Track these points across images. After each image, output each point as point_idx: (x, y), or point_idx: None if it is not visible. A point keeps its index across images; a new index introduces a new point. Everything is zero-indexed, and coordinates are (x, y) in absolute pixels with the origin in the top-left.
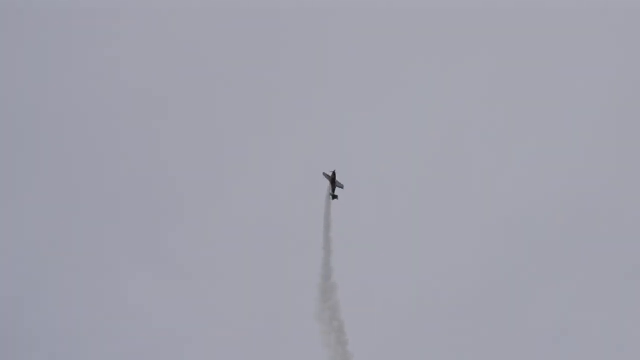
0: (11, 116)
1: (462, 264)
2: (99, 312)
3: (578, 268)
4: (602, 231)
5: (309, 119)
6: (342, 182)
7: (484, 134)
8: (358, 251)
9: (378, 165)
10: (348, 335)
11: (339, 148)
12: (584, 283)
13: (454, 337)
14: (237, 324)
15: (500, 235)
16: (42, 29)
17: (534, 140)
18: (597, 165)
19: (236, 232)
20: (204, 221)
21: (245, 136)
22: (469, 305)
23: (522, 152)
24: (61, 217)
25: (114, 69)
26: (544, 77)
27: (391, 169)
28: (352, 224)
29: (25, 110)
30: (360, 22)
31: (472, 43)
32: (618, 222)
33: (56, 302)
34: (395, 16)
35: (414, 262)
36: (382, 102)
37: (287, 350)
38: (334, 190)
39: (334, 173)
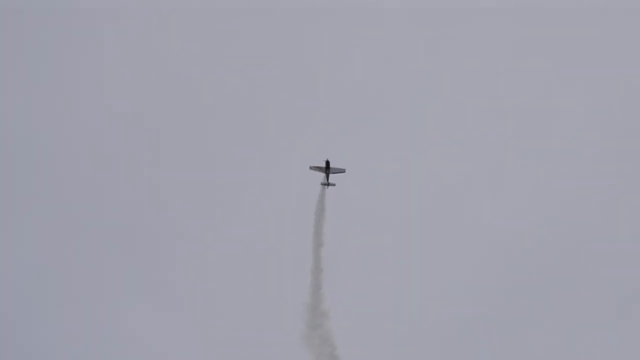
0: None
1: (458, 291)
2: (98, 344)
3: (574, 298)
4: (599, 261)
5: (302, 145)
6: (341, 167)
7: (481, 162)
8: (351, 274)
9: (373, 189)
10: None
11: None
12: (580, 313)
13: None
14: (236, 355)
15: (497, 262)
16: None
17: (532, 168)
18: (594, 196)
19: (233, 263)
20: (201, 252)
21: (239, 165)
22: (464, 335)
23: (520, 179)
24: (60, 250)
25: (102, 94)
26: (543, 110)
27: (387, 195)
28: (346, 247)
29: (20, 145)
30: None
31: (470, 71)
32: (613, 253)
33: (56, 335)
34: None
35: (409, 288)
36: (376, 133)
37: None
38: (328, 178)
39: (327, 162)
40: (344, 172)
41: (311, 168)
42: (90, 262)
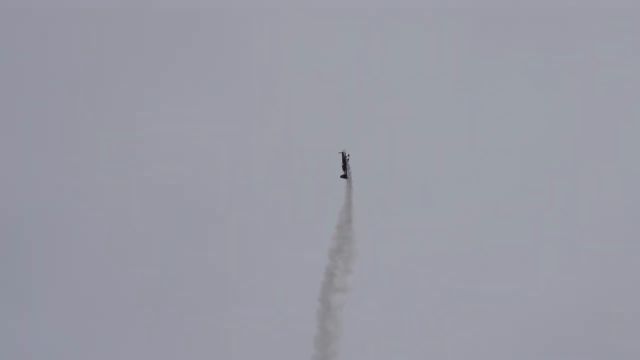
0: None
1: None
2: None
3: None
4: (623, 335)
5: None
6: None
7: (500, 237)
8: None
9: (390, 268)
10: None
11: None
12: None
13: None
14: None
15: (517, 340)
16: None
17: (553, 242)
18: (619, 271)
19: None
20: (214, 337)
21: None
22: None
23: (542, 255)
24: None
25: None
26: (563, 183)
27: (402, 272)
28: (363, 331)
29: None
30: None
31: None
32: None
33: None
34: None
35: None
36: (394, 212)
37: None
38: (345, 169)
39: (342, 153)
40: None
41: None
42: (107, 343)
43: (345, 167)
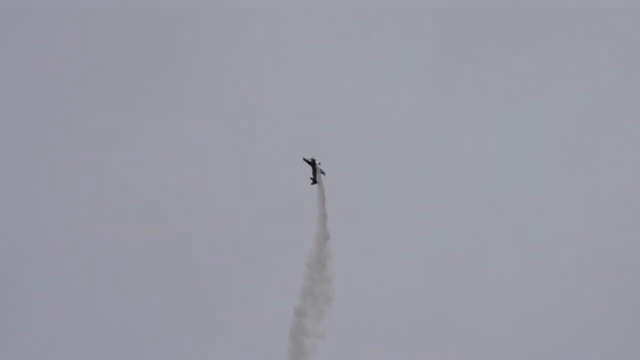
0: None
1: None
2: None
3: None
4: None
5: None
6: (323, 170)
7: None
8: None
9: (366, 304)
10: None
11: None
12: None
13: None
14: None
15: None
16: None
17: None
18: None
19: None
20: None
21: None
22: None
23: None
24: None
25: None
26: (536, 222)
27: (381, 307)
28: None
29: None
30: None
31: (461, 187)
32: None
33: None
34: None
35: None
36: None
37: None
38: (314, 175)
39: (313, 160)
40: (324, 174)
41: (312, 181)
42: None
43: (314, 172)
